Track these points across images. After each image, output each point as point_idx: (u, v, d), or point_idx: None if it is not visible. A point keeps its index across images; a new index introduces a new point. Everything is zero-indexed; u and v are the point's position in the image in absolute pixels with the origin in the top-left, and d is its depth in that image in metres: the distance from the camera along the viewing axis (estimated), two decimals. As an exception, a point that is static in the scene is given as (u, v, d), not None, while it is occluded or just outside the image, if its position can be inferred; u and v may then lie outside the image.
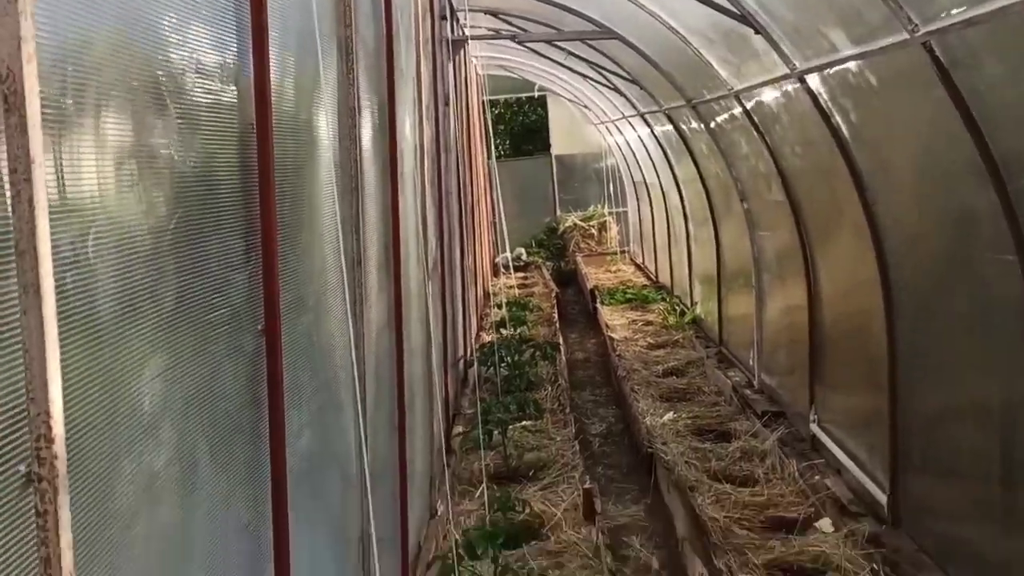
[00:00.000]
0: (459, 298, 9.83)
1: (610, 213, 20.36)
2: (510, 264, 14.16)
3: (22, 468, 1.39)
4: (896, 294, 5.92)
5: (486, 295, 15.02)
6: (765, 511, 6.53)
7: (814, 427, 7.54)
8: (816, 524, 6.24)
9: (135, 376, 1.88)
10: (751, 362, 9.68)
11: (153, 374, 1.95)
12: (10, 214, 1.35)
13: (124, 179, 1.86)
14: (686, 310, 13.16)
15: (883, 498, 6.06)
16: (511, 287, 15.15)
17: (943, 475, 5.51)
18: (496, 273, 17.21)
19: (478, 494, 6.54)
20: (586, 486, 6.71)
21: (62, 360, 1.42)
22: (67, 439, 1.46)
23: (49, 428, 1.37)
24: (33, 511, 1.40)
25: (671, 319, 13.16)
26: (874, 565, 5.42)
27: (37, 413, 1.37)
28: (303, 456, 3.20)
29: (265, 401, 2.69)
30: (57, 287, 1.44)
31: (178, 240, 2.10)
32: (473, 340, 11.36)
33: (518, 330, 10.45)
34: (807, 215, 7.75)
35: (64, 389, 1.43)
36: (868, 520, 6.05)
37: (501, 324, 10.26)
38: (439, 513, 6.56)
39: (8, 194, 1.36)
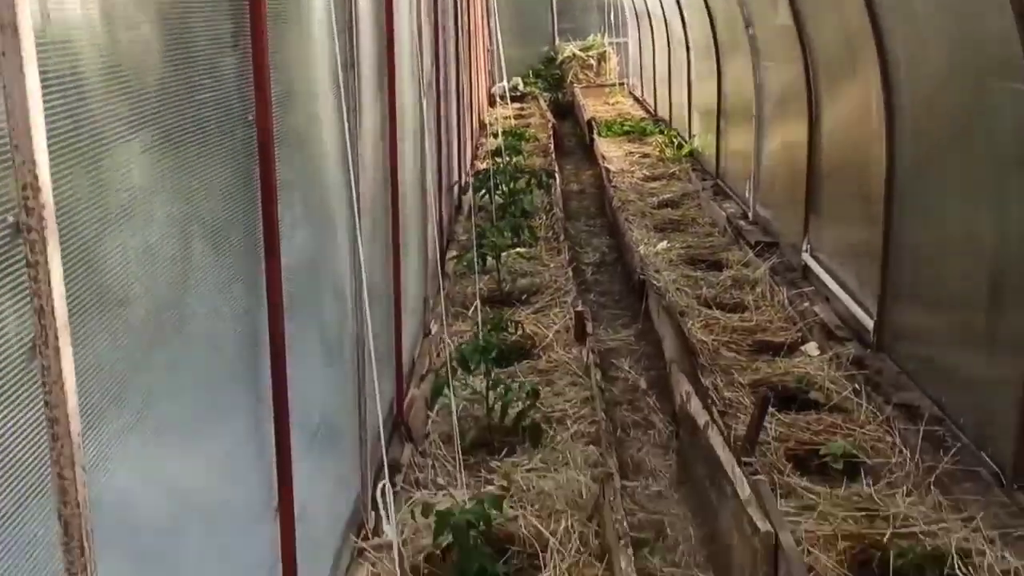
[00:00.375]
0: (454, 123, 9.69)
1: (610, 43, 19.85)
2: (506, 94, 13.89)
3: (10, 218, 1.38)
4: (899, 125, 5.84)
5: (481, 125, 14.81)
6: (753, 335, 6.65)
7: (806, 256, 7.60)
8: (802, 348, 6.37)
9: (124, 150, 1.85)
10: (747, 194, 9.66)
11: (143, 148, 1.92)
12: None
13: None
14: (684, 143, 13.03)
15: (869, 323, 6.17)
16: (507, 118, 14.93)
17: (929, 302, 5.59)
18: (492, 103, 16.91)
19: (471, 312, 6.62)
20: (578, 309, 6.80)
21: (47, 112, 1.39)
22: (58, 198, 1.44)
23: (35, 177, 1.35)
24: (24, 262, 1.40)
25: (668, 152, 13.05)
26: (856, 385, 5.56)
27: (22, 161, 1.34)
28: (296, 251, 3.21)
29: (258, 194, 2.67)
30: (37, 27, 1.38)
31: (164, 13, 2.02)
32: (468, 168, 11.27)
33: (513, 160, 10.35)
34: (813, 42, 7.55)
35: (50, 143, 1.40)
36: (853, 344, 6.18)
37: (496, 153, 10.14)
38: (432, 333, 6.67)
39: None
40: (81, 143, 1.63)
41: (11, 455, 1.45)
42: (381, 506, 2.69)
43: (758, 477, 4.35)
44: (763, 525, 3.64)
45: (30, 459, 1.49)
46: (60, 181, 1.50)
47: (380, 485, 2.68)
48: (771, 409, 5.16)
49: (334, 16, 3.38)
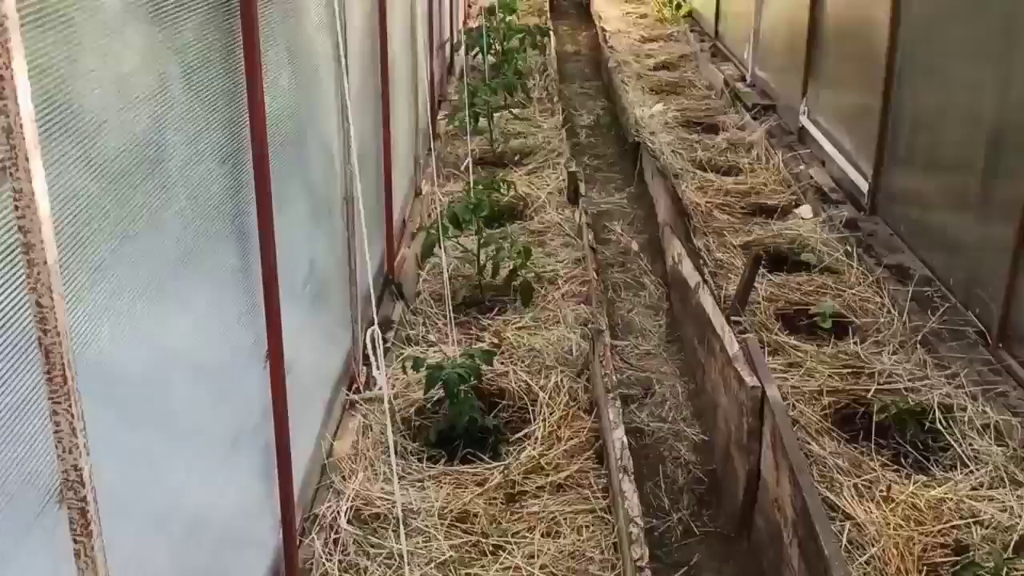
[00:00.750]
0: (446, -21, 9.37)
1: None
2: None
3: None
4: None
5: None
6: (747, 198, 6.61)
7: (803, 119, 7.48)
8: (796, 210, 6.34)
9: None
10: (745, 56, 9.44)
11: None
12: None
13: None
14: (682, 3, 12.66)
15: (864, 186, 6.12)
16: (501, -24, 14.40)
17: (926, 166, 5.54)
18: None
19: (463, 170, 6.54)
20: (571, 170, 6.73)
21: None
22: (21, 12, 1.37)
23: (-4, -12, 1.28)
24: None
25: (666, 12, 12.70)
26: (848, 247, 5.55)
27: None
28: (282, 104, 3.13)
29: (239, 38, 2.58)
30: None
31: None
32: (460, 26, 10.96)
33: (507, 18, 10.03)
34: None
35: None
36: (847, 207, 6.15)
37: (490, 12, 9.83)
38: (423, 193, 6.61)
39: None
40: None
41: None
42: (371, 353, 2.69)
43: (747, 335, 4.39)
44: (750, 380, 3.68)
45: (7, 283, 1.47)
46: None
47: (369, 331, 2.68)
48: (762, 270, 5.17)
49: None
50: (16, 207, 1.40)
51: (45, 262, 1.44)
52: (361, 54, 4.58)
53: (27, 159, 1.36)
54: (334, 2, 3.55)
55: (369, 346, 2.65)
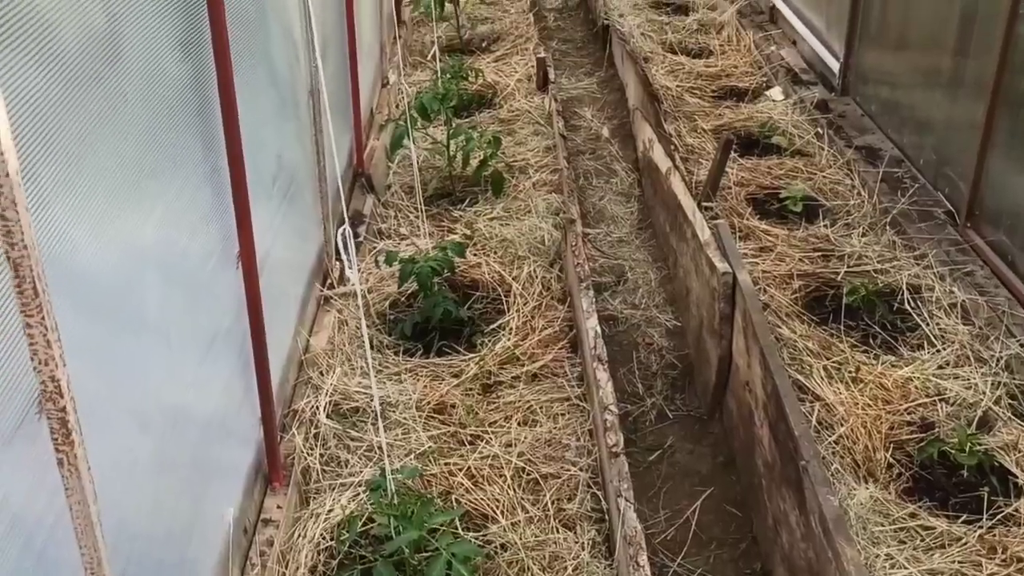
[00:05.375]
0: None
1: None
2: None
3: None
4: None
5: None
6: (718, 81, 6.54)
7: (775, -2, 7.34)
8: (767, 92, 6.28)
9: None
10: (716, -68, 9.18)
11: None
12: None
13: None
14: None
15: (836, 66, 6.06)
16: None
17: (897, 45, 5.47)
18: None
19: (429, 58, 6.41)
20: (540, 56, 6.61)
21: None
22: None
23: None
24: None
25: None
26: (819, 129, 5.53)
27: None
28: (245, 27, 3.02)
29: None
30: None
31: None
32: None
33: None
34: None
35: None
36: (818, 88, 6.10)
37: None
38: (390, 83, 6.48)
39: None
40: None
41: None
42: (343, 251, 2.68)
43: (718, 221, 4.40)
44: (721, 265, 3.71)
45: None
46: None
47: (340, 230, 2.66)
48: (733, 154, 5.16)
49: None
50: (-29, 119, 1.35)
51: (7, 174, 1.40)
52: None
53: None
54: None
55: (341, 245, 2.63)
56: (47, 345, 1.54)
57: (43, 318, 1.52)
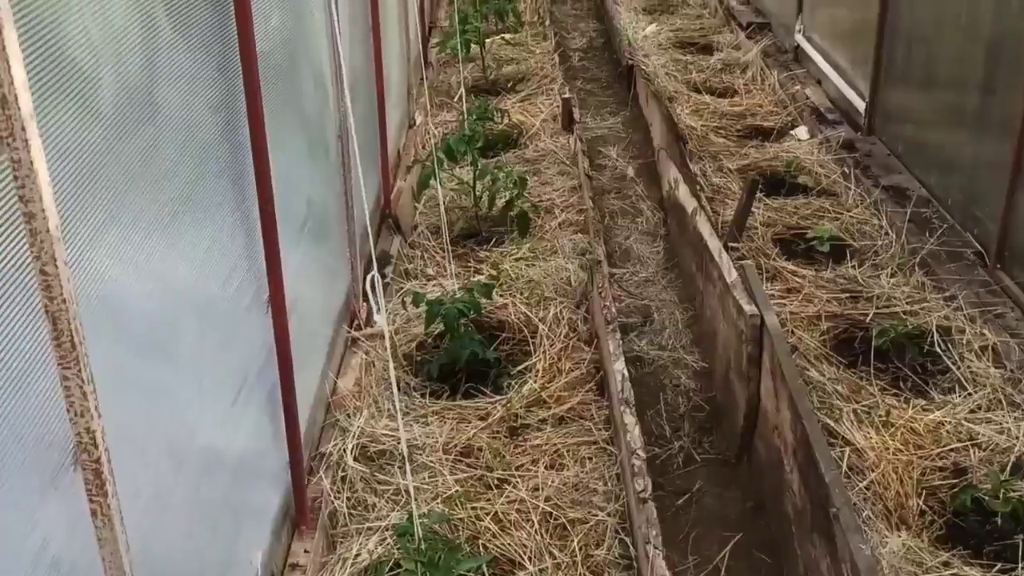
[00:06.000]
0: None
1: None
2: None
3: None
4: None
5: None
6: (743, 120, 6.55)
7: (799, 37, 7.37)
8: (792, 132, 6.29)
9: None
10: (739, -28, 9.25)
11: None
12: None
13: None
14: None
15: (861, 106, 6.06)
16: None
17: (923, 84, 5.47)
18: None
19: (456, 100, 6.47)
20: (565, 96, 6.65)
21: None
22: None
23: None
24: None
25: (657, -72, 12.40)
26: (845, 169, 5.53)
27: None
28: (273, 46, 3.08)
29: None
30: None
31: None
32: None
33: (496, -62, 9.80)
34: None
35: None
36: (844, 128, 6.10)
37: (477, -68, 9.61)
38: (417, 123, 6.54)
39: None
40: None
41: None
42: (371, 297, 2.69)
43: (745, 262, 4.39)
44: (748, 307, 3.70)
45: (12, 258, 1.47)
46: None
47: (369, 276, 2.68)
48: (759, 194, 5.15)
49: None
50: (15, 177, 1.38)
51: (47, 230, 1.43)
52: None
53: (23, 129, 1.35)
54: None
55: (369, 291, 2.65)
56: (83, 397, 1.56)
57: (80, 370, 1.54)
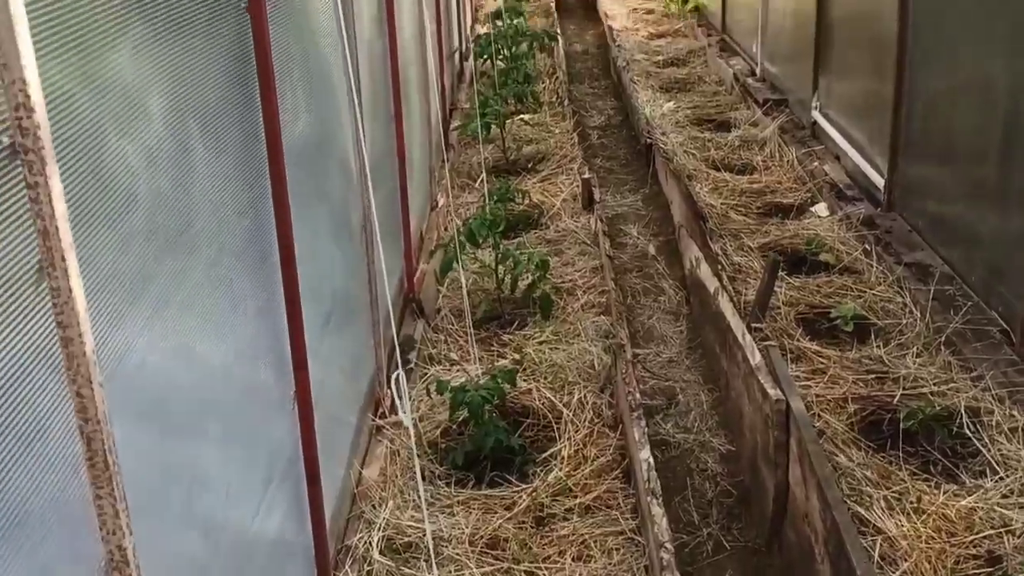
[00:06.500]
0: (452, -14, 9.37)
1: None
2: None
3: (4, 139, 1.33)
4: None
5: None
6: (762, 197, 6.60)
7: (816, 114, 7.45)
8: (812, 209, 6.32)
9: (114, 48, 1.77)
10: (754, 50, 9.40)
11: (134, 46, 1.84)
12: None
13: None
14: (688, -3, 12.63)
15: (880, 181, 6.09)
16: (506, -25, 14.41)
17: (942, 158, 5.50)
18: (490, -39, 16.35)
19: (477, 184, 6.56)
20: (585, 176, 6.73)
21: (32, 26, 1.32)
22: (49, 111, 1.39)
23: (27, 96, 1.30)
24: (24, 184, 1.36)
25: (672, 7, 12.66)
26: (867, 246, 5.54)
27: (12, 80, 1.29)
28: (299, 140, 3.15)
29: (255, 79, 2.60)
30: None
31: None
32: (468, 32, 10.97)
33: (515, 22, 10.03)
34: None
35: (39, 57, 1.34)
36: (864, 204, 6.13)
37: (497, 16, 9.83)
38: (439, 205, 6.63)
39: None
40: (70, 53, 1.56)
41: (29, 376, 1.46)
42: (395, 394, 2.71)
43: (768, 343, 4.39)
44: (773, 392, 3.69)
45: (48, 378, 1.50)
46: (52, 94, 1.44)
47: (394, 376, 2.70)
48: (781, 273, 5.16)
49: None
50: (54, 304, 1.42)
51: (84, 354, 1.46)
52: (371, 67, 4.59)
53: (63, 259, 1.39)
54: (341, 16, 3.57)
55: (393, 390, 2.67)
56: (115, 515, 1.57)
57: (112, 489, 1.56)
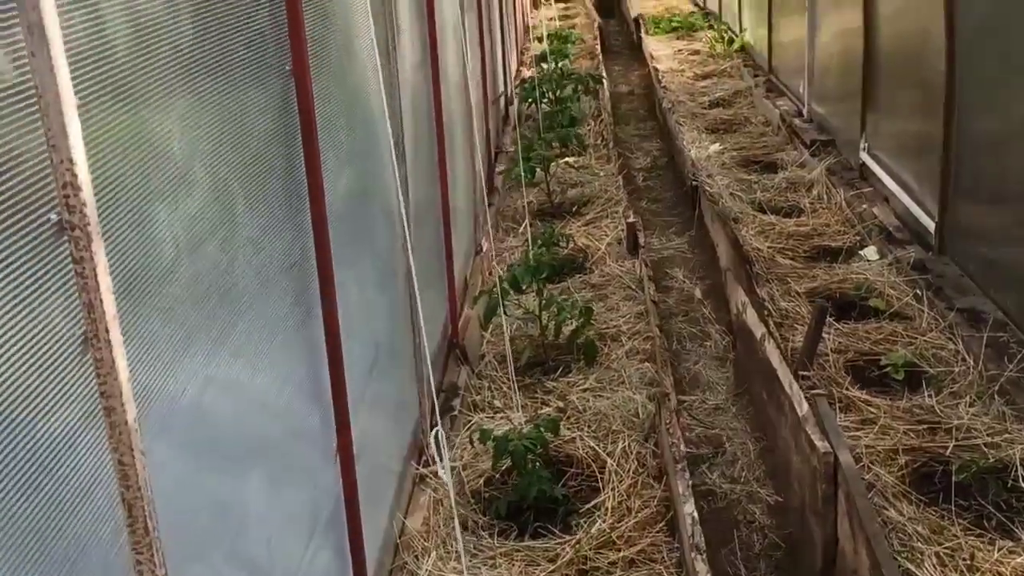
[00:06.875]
0: (497, 32, 9.48)
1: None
2: (550, -6, 13.55)
3: (53, 216, 1.37)
4: (959, 9, 5.56)
5: (526, 29, 14.51)
6: (810, 241, 6.53)
7: (864, 155, 7.38)
8: (861, 252, 6.24)
9: (160, 117, 1.82)
10: (801, 90, 9.35)
11: (179, 115, 1.89)
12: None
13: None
14: (734, 37, 12.63)
15: (931, 224, 6.00)
16: (551, 19, 14.58)
17: (993, 199, 5.41)
18: (536, 5, 16.54)
19: (521, 230, 6.59)
20: (629, 220, 6.73)
21: (80, 105, 1.36)
22: (96, 186, 1.43)
23: (74, 175, 1.34)
24: (70, 259, 1.40)
25: (718, 47, 12.68)
26: (917, 291, 5.44)
27: (60, 160, 1.33)
28: (342, 195, 3.20)
29: (299, 138, 2.64)
30: (64, 27, 1.36)
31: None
32: (513, 76, 11.08)
33: (559, 64, 10.12)
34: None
35: (86, 135, 1.38)
36: (914, 247, 6.04)
37: (542, 59, 9.95)
38: (484, 250, 6.66)
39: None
40: (116, 126, 1.61)
41: (74, 444, 1.49)
42: (435, 450, 2.72)
43: (816, 391, 4.33)
44: (821, 444, 3.63)
45: (92, 446, 1.53)
46: (98, 171, 1.49)
47: (433, 432, 2.71)
48: (829, 318, 5.09)
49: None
50: (98, 374, 1.45)
51: (126, 423, 1.49)
52: (415, 114, 4.64)
53: (107, 331, 1.42)
54: (383, 63, 3.62)
55: (433, 446, 2.67)
56: (155, 581, 1.59)
57: (152, 555, 1.58)
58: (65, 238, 1.38)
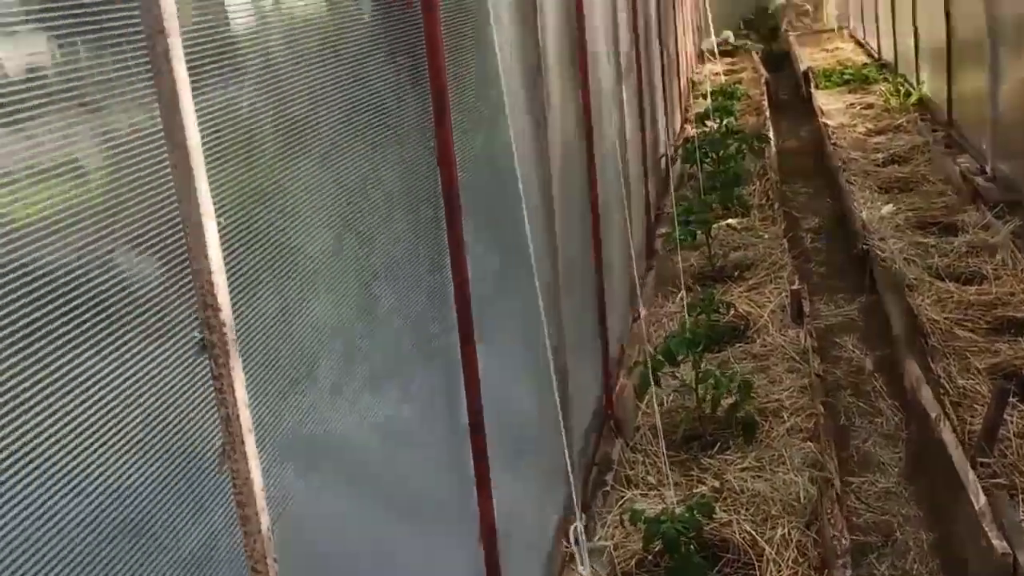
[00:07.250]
0: (659, 92, 9.45)
1: (827, -16, 18.75)
2: (715, 50, 13.38)
3: (196, 335, 1.43)
4: None
5: (690, 84, 14.41)
6: (992, 311, 6.11)
7: (1054, 218, 6.89)
8: (1050, 325, 5.79)
9: (300, 243, 1.88)
10: (983, 146, 8.84)
11: (323, 231, 1.95)
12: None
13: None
14: (911, 90, 12.11)
15: None
16: (716, 74, 14.43)
17: None
18: (701, 60, 16.42)
19: (679, 297, 6.47)
20: (794, 287, 6.50)
21: (220, 225, 1.42)
22: (235, 304, 1.48)
23: (214, 297, 1.39)
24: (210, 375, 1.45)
25: (893, 101, 12.19)
26: (1115, 370, 5.00)
27: (200, 284, 1.38)
28: (486, 276, 3.21)
29: (443, 225, 2.68)
30: (206, 142, 1.41)
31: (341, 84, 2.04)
32: (676, 134, 11.01)
33: (724, 121, 9.96)
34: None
35: (225, 254, 1.44)
36: (1111, 321, 5.56)
37: (705, 116, 9.81)
38: (641, 316, 6.57)
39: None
40: (256, 245, 1.67)
41: (213, 551, 1.53)
42: (574, 547, 2.66)
43: (996, 480, 4.02)
44: (999, 544, 3.35)
45: (231, 553, 1.57)
46: (237, 286, 1.54)
47: (572, 527, 2.66)
48: (1012, 399, 4.73)
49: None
50: (234, 485, 1.49)
51: (260, 531, 1.52)
52: (564, 184, 4.60)
53: (243, 443, 1.45)
54: (537, 134, 3.61)
55: (573, 542, 2.62)
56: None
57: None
58: (205, 356, 1.43)
